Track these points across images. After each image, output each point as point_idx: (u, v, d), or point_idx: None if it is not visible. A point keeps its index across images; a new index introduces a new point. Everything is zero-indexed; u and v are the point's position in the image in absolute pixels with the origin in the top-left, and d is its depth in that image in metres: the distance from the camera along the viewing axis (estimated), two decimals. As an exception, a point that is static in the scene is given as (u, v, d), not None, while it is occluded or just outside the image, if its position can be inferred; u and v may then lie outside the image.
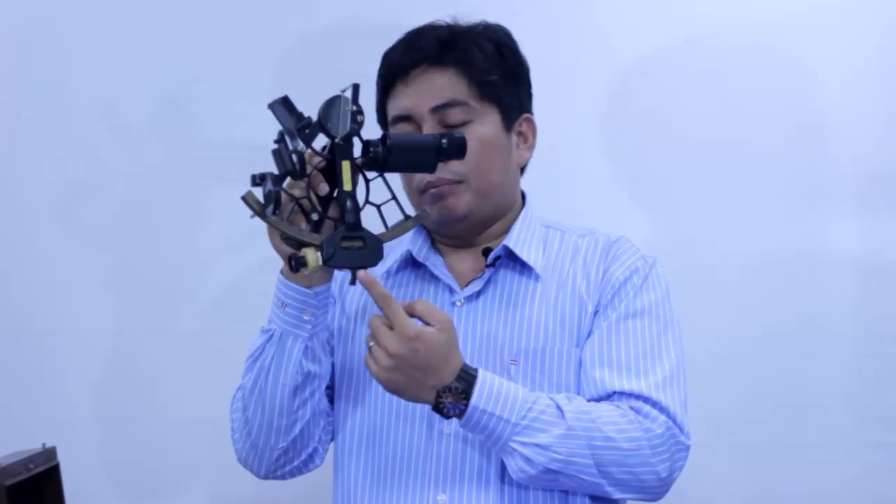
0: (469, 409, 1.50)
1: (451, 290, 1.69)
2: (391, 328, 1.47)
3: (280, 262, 1.56)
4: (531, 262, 1.69)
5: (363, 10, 2.41)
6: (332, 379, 1.73)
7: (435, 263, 1.71)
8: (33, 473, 1.84)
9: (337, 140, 1.47)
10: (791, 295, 2.34)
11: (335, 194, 1.50)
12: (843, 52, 2.33)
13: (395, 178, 1.56)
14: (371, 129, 1.53)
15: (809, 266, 2.34)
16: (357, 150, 1.50)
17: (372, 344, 1.49)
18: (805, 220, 2.35)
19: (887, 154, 2.34)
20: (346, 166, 1.48)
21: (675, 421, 1.59)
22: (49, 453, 1.90)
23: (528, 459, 1.52)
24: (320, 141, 1.50)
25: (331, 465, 1.75)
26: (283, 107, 1.48)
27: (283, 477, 1.70)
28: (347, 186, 1.48)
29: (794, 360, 2.33)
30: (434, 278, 1.70)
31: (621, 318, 1.65)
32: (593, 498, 1.64)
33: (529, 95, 1.76)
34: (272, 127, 1.50)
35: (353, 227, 1.47)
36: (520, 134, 1.74)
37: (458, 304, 1.67)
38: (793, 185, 2.35)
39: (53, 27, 2.44)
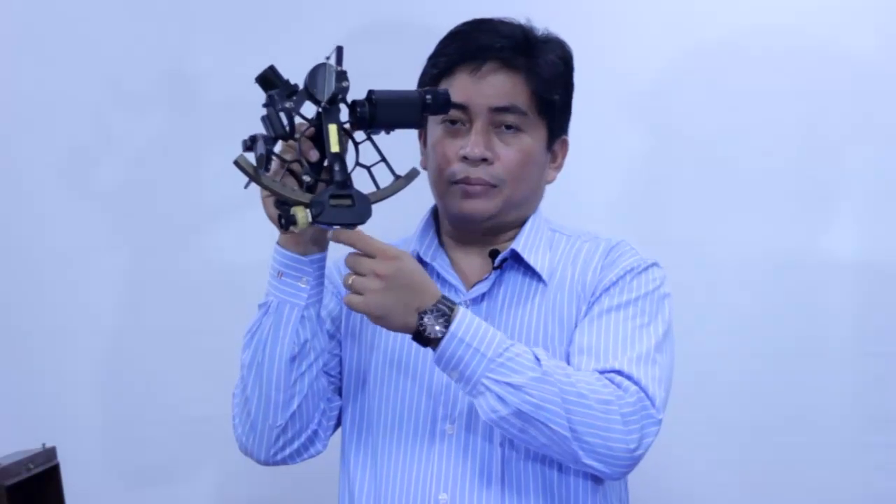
0: (447, 337, 1.50)
1: (457, 291, 1.70)
2: (372, 257, 1.50)
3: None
4: (538, 268, 1.70)
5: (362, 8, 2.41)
6: (339, 377, 1.75)
7: (442, 265, 1.72)
8: (33, 473, 1.84)
9: (323, 104, 1.50)
10: (791, 295, 2.34)
11: (323, 162, 1.52)
12: (844, 53, 2.33)
13: (384, 141, 1.58)
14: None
15: (810, 266, 2.34)
16: (345, 115, 1.53)
17: (352, 279, 1.51)
18: (806, 221, 2.35)
19: (888, 154, 2.34)
20: (332, 129, 1.51)
21: (646, 393, 1.57)
22: (49, 453, 1.90)
23: (500, 398, 1.51)
24: (311, 112, 1.53)
25: (334, 464, 1.76)
26: (271, 76, 1.51)
27: (283, 461, 1.70)
28: (335, 148, 1.50)
29: (794, 360, 2.33)
30: (440, 278, 1.71)
31: (603, 311, 1.65)
32: (592, 490, 1.64)
33: (570, 116, 1.78)
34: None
35: (342, 185, 1.49)
36: (553, 153, 1.75)
37: (463, 305, 1.67)
38: (794, 186, 2.34)
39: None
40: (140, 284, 2.43)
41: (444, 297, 1.53)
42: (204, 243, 2.42)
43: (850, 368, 2.34)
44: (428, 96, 1.55)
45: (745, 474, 2.34)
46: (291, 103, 1.50)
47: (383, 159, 1.58)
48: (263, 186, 1.50)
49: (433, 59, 1.73)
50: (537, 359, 1.53)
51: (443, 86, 1.68)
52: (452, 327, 1.51)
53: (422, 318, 1.50)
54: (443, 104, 1.57)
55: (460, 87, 1.67)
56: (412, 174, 1.58)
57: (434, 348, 1.52)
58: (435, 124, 1.71)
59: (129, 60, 2.41)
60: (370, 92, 1.52)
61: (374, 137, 1.57)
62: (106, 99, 2.41)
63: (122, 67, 2.41)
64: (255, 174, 1.48)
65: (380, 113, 1.52)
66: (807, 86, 2.33)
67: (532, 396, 1.51)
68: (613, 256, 1.70)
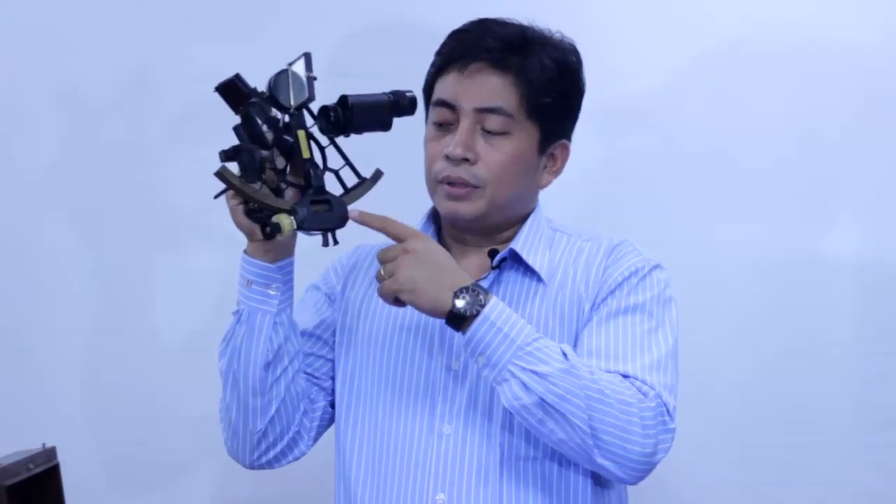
0: (479, 319, 1.51)
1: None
2: (402, 240, 1.54)
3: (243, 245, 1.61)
4: (537, 267, 1.69)
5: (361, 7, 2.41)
6: (327, 378, 1.76)
7: (441, 264, 1.72)
8: (33, 473, 1.84)
9: (291, 110, 1.51)
10: (792, 295, 2.34)
11: (287, 168, 1.53)
12: (843, 53, 2.33)
13: (345, 143, 1.59)
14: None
15: (810, 266, 2.34)
16: (310, 119, 1.54)
17: (383, 267, 1.54)
18: (806, 221, 2.35)
19: (889, 155, 2.33)
20: (301, 135, 1.52)
21: (662, 400, 1.58)
22: (49, 453, 1.89)
23: (525, 386, 1.51)
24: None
25: (331, 463, 1.76)
26: (238, 84, 1.51)
27: (269, 465, 1.71)
28: (306, 154, 1.52)
29: (794, 360, 2.33)
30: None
31: (612, 314, 1.65)
32: (592, 489, 1.65)
33: (574, 121, 1.75)
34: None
35: (320, 190, 1.51)
36: (551, 156, 1.73)
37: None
38: (794, 186, 2.34)
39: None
40: (139, 284, 2.43)
41: (477, 282, 1.54)
42: (200, 241, 2.42)
43: (850, 368, 2.34)
44: (396, 99, 1.57)
45: (746, 474, 2.34)
46: (276, 113, 1.50)
47: (348, 163, 1.59)
48: (248, 196, 1.50)
49: (434, 58, 1.73)
50: (564, 353, 1.54)
51: (439, 83, 1.69)
52: (485, 310, 1.51)
53: (456, 296, 1.51)
54: (408, 107, 1.59)
55: (449, 85, 1.67)
56: (377, 176, 1.60)
57: (464, 331, 1.52)
58: (428, 122, 1.71)
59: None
60: (343, 97, 1.53)
61: (337, 141, 1.58)
62: (87, 103, 2.42)
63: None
64: (240, 185, 1.49)
65: (355, 117, 1.53)
66: (807, 86, 2.33)
67: (556, 387, 1.50)
68: (616, 256, 1.70)
